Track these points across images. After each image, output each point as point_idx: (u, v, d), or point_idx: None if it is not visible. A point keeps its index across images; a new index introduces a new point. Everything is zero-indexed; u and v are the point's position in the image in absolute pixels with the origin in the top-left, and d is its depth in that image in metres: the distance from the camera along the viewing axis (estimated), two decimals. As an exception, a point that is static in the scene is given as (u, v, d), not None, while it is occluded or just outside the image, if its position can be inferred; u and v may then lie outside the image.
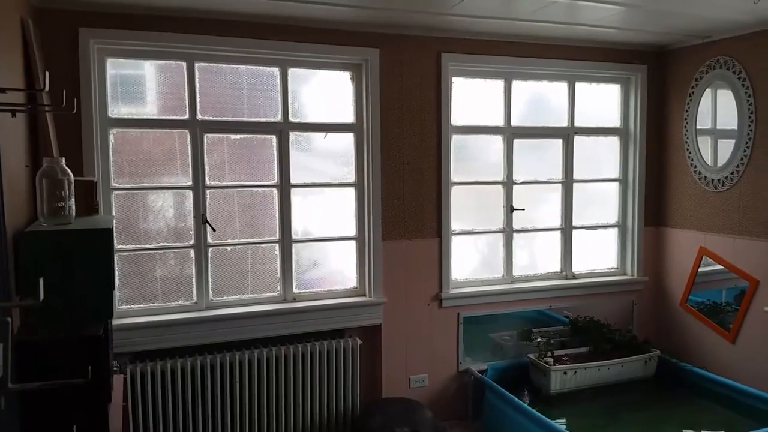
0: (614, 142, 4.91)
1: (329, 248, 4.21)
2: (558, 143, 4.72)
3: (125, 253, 3.67)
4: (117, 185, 3.62)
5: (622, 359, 4.42)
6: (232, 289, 3.93)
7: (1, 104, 1.86)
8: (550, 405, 4.15)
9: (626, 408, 4.27)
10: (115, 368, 2.81)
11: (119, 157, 3.63)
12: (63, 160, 2.34)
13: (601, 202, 4.94)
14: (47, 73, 1.85)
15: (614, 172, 4.93)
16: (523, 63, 4.41)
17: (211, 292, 3.86)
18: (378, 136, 4.05)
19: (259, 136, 3.93)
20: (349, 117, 4.11)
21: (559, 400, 4.20)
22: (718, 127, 4.45)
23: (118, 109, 3.61)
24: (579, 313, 4.72)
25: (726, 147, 4.34)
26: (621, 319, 4.85)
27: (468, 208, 4.49)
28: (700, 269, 4.58)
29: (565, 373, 4.23)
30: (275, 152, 3.94)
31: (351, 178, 4.15)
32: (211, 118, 3.78)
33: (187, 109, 3.72)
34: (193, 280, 3.82)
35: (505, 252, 4.60)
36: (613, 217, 4.97)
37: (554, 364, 4.26)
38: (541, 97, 4.70)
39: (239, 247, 3.93)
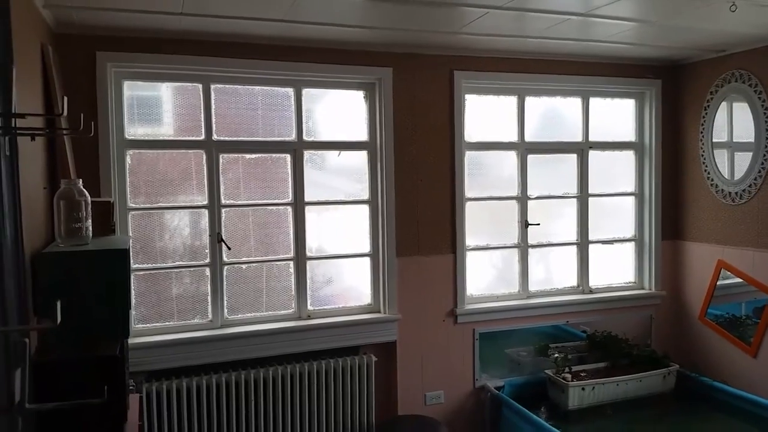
0: (629, 156, 4.89)
1: (343, 265, 4.21)
2: (572, 158, 4.71)
3: (141, 272, 3.71)
4: (133, 205, 3.67)
5: (640, 374, 4.37)
6: (247, 306, 3.95)
7: (21, 129, 1.91)
8: (568, 421, 4.10)
9: (645, 423, 4.21)
10: (131, 387, 2.83)
11: (136, 178, 3.68)
12: (80, 181, 2.39)
13: (617, 216, 4.91)
14: (65, 98, 1.90)
15: (630, 186, 4.90)
16: (537, 79, 4.42)
17: (226, 310, 3.88)
18: (391, 154, 4.08)
19: (273, 155, 3.97)
20: (362, 135, 4.14)
21: (577, 416, 4.16)
22: (734, 140, 4.41)
23: (134, 131, 3.67)
24: (596, 328, 4.68)
25: (743, 160, 4.30)
26: (639, 334, 4.80)
27: (482, 224, 4.47)
28: (719, 282, 4.52)
29: (583, 388, 4.19)
30: (289, 171, 3.98)
31: (365, 195, 4.17)
32: (226, 138, 3.83)
33: (203, 129, 3.77)
34: (209, 298, 3.84)
35: (521, 267, 4.58)
36: (630, 231, 4.93)
37: (572, 380, 4.22)
38: (555, 113, 4.69)
39: (254, 265, 3.96)
